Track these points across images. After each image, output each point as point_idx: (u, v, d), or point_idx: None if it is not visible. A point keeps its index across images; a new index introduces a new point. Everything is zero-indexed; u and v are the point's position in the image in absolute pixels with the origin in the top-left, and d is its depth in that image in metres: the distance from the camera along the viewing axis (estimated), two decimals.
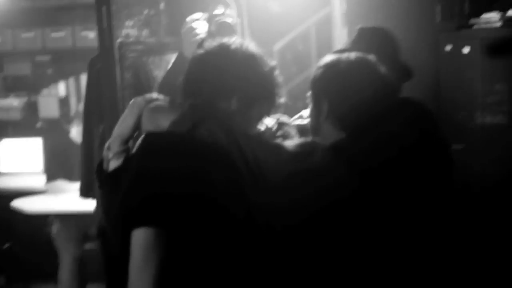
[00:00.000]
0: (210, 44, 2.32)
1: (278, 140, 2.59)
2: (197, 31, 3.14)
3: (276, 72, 2.31)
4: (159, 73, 3.47)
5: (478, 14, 3.50)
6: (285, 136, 2.63)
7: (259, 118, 2.35)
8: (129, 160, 2.18)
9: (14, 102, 6.52)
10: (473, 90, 3.56)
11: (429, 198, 2.19)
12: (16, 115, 6.53)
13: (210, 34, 3.16)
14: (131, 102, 2.30)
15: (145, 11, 3.76)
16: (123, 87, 3.23)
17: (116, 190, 2.18)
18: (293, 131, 2.65)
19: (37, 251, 6.04)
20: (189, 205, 1.91)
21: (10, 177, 6.41)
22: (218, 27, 3.13)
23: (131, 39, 3.52)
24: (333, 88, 2.27)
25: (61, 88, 6.49)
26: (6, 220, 5.96)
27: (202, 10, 3.30)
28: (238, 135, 2.06)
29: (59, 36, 6.38)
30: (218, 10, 3.24)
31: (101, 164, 2.30)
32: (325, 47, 5.27)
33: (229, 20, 3.16)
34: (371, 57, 2.30)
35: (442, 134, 2.36)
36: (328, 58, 2.33)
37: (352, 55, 2.30)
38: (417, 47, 4.00)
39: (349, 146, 2.14)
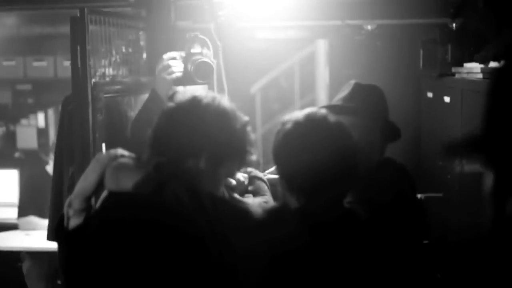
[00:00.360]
0: (181, 97, 2.22)
1: (249, 196, 2.51)
2: (172, 69, 3.08)
3: (249, 129, 2.21)
4: (133, 114, 3.39)
5: (460, 63, 3.43)
6: (257, 191, 2.55)
7: (228, 176, 2.25)
8: (89, 219, 2.09)
9: None
10: (453, 139, 3.48)
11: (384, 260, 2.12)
12: None
13: (187, 73, 3.09)
14: (94, 158, 2.20)
15: (124, 49, 3.69)
16: (94, 129, 3.12)
17: (74, 249, 2.10)
18: (265, 186, 2.57)
19: (9, 286, 5.90)
20: (148, 278, 1.86)
21: None
22: (197, 67, 3.06)
23: (107, 78, 3.44)
24: (277, 152, 2.17)
25: (41, 118, 6.39)
26: None
27: (181, 49, 3.24)
28: (204, 198, 1.97)
29: (41, 65, 6.30)
30: (195, 49, 3.17)
31: (61, 220, 2.20)
32: (308, 85, 5.22)
33: (207, 60, 3.10)
34: (322, 115, 2.15)
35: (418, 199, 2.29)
36: (285, 117, 2.22)
37: (301, 114, 2.15)
38: (398, 92, 3.94)
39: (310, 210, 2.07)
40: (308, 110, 2.16)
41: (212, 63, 3.12)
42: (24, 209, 5.61)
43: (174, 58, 3.13)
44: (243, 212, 2.07)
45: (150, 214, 1.96)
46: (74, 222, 2.15)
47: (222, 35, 3.61)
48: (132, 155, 2.18)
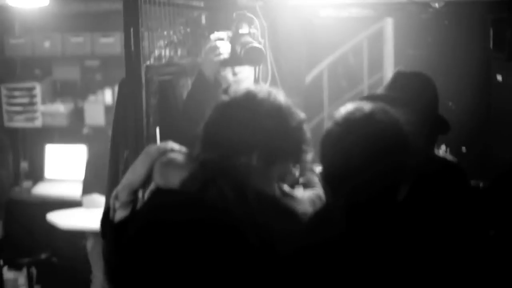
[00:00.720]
0: (236, 90, 2.13)
1: (299, 188, 2.43)
2: (220, 50, 3.00)
3: (305, 126, 2.09)
4: None
5: None
6: (307, 184, 2.46)
7: (281, 175, 2.14)
8: (135, 215, 2.05)
9: (61, 108, 6.45)
10: None
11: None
12: (62, 121, 6.46)
13: (235, 55, 3.01)
14: (144, 150, 2.16)
15: (182, 30, 3.62)
16: (148, 113, 3.08)
17: (119, 242, 2.07)
18: (315, 179, 2.47)
19: (74, 263, 5.97)
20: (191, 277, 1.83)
21: (55, 184, 6.36)
22: (247, 52, 2.97)
23: (163, 60, 3.38)
24: (318, 151, 2.04)
25: (108, 95, 6.39)
26: (45, 229, 5.88)
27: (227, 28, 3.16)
28: (249, 193, 1.91)
29: (108, 41, 6.29)
30: (243, 29, 3.09)
31: (107, 212, 2.17)
32: (377, 63, 5.10)
33: (258, 45, 3.01)
34: (363, 114, 1.93)
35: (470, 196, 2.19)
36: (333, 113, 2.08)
37: (342, 113, 1.95)
38: (466, 74, 3.77)
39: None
40: (350, 107, 2.00)
41: (262, 48, 3.02)
42: (88, 186, 5.61)
43: (221, 39, 3.05)
44: (289, 210, 2.04)
45: (192, 213, 1.91)
46: (120, 214, 2.12)
47: (276, 13, 3.51)
48: (183, 149, 2.13)
